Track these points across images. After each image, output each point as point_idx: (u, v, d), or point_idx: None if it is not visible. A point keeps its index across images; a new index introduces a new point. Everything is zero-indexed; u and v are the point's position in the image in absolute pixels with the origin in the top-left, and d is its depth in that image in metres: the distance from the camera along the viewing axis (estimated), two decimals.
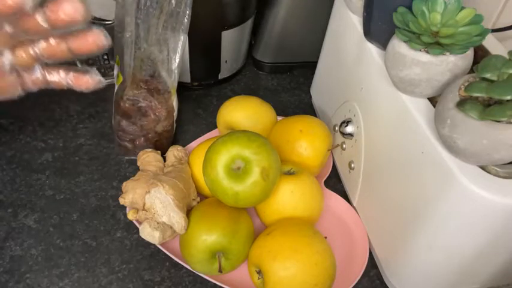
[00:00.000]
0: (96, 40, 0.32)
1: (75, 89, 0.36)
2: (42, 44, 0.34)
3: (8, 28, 0.33)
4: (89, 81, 0.36)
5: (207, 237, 0.40)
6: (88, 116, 0.59)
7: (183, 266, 0.44)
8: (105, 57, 0.60)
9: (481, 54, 0.40)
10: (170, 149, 0.49)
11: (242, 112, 0.52)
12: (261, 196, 0.41)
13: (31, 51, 0.34)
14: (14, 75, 0.35)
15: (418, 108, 0.37)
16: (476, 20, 0.34)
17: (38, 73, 0.36)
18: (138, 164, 0.48)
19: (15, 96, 0.36)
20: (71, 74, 0.36)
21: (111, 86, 0.53)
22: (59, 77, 0.36)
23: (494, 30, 0.43)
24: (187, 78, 0.62)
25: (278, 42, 0.65)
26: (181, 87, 0.59)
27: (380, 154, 0.43)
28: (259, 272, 0.40)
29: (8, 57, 0.34)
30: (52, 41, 0.33)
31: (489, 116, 0.28)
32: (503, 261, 0.37)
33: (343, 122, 0.50)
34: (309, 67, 0.64)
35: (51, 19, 0.31)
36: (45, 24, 0.31)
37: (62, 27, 0.31)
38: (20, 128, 0.57)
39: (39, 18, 0.31)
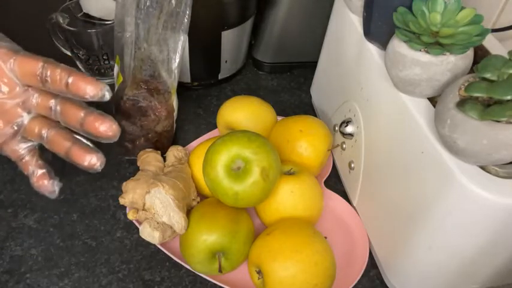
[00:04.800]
0: (107, 130, 0.37)
1: (32, 183, 0.40)
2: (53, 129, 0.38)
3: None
4: (46, 185, 0.40)
5: (207, 237, 0.40)
6: None
7: (183, 266, 0.44)
8: (105, 57, 0.60)
9: (481, 54, 0.40)
10: (170, 149, 0.49)
11: (242, 112, 0.52)
12: (261, 196, 0.41)
13: (42, 131, 0.37)
14: (13, 131, 0.37)
15: (418, 108, 0.37)
16: (476, 20, 0.34)
17: (18, 147, 0.38)
18: (138, 164, 0.48)
19: None
20: (39, 172, 0.40)
21: (111, 86, 0.53)
22: (32, 163, 0.39)
23: (494, 30, 0.43)
24: (187, 78, 0.62)
25: (278, 42, 0.65)
26: (181, 87, 0.59)
27: (380, 154, 0.43)
28: (259, 272, 0.40)
29: (26, 118, 0.37)
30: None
31: (489, 116, 0.28)
32: (503, 261, 0.37)
33: (343, 122, 0.50)
34: (309, 67, 0.64)
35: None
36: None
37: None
38: None
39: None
